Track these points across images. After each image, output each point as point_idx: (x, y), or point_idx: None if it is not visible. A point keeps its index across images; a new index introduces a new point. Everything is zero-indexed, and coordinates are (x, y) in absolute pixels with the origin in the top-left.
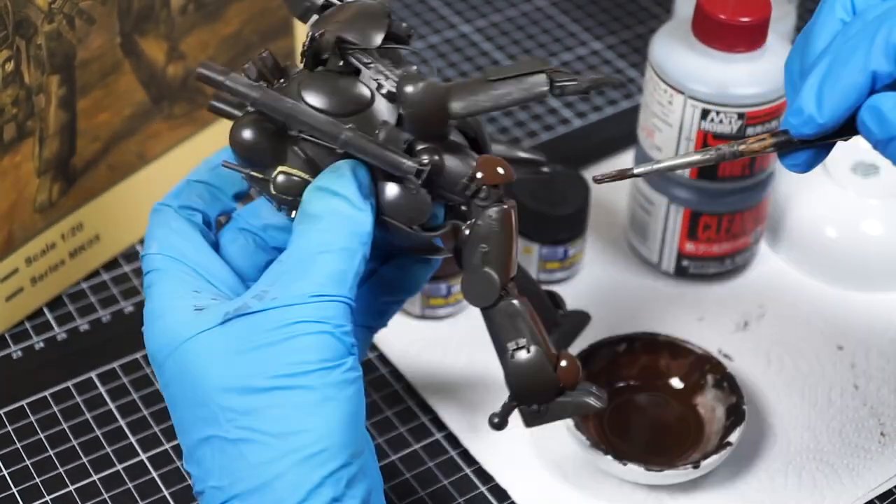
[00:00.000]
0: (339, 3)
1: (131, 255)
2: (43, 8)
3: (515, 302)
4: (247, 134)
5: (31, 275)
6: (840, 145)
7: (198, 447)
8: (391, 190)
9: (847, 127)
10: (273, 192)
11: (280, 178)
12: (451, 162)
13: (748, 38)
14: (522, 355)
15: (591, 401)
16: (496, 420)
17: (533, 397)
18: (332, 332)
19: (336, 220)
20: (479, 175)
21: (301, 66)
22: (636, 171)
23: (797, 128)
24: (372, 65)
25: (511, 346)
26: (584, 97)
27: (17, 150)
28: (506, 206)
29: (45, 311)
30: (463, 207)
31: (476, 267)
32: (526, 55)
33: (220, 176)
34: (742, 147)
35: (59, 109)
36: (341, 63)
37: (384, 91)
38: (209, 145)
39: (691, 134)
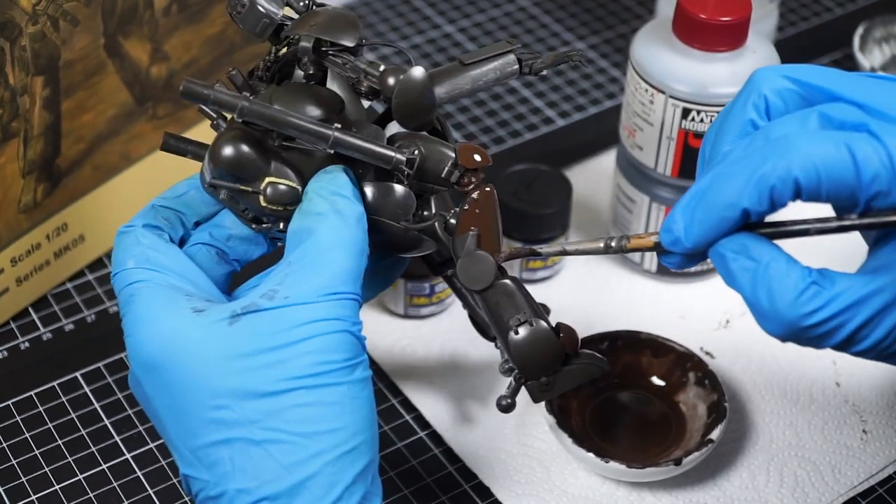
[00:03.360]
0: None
1: None
2: (27, 9)
3: (508, 281)
4: (232, 148)
5: (16, 275)
6: None
7: (210, 450)
8: (376, 188)
9: None
10: (263, 204)
11: (269, 189)
12: (430, 151)
13: (729, 37)
14: (527, 329)
15: (595, 365)
16: (505, 402)
17: (540, 370)
18: (349, 329)
19: (341, 218)
20: (461, 161)
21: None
22: (542, 250)
23: (666, 244)
24: (349, 64)
25: (514, 322)
26: (562, 83)
27: (1, 152)
28: (488, 189)
29: (31, 311)
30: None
31: (470, 251)
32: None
33: (185, 203)
34: (625, 243)
35: (44, 110)
36: (311, 71)
37: (363, 87)
38: None
39: (672, 133)
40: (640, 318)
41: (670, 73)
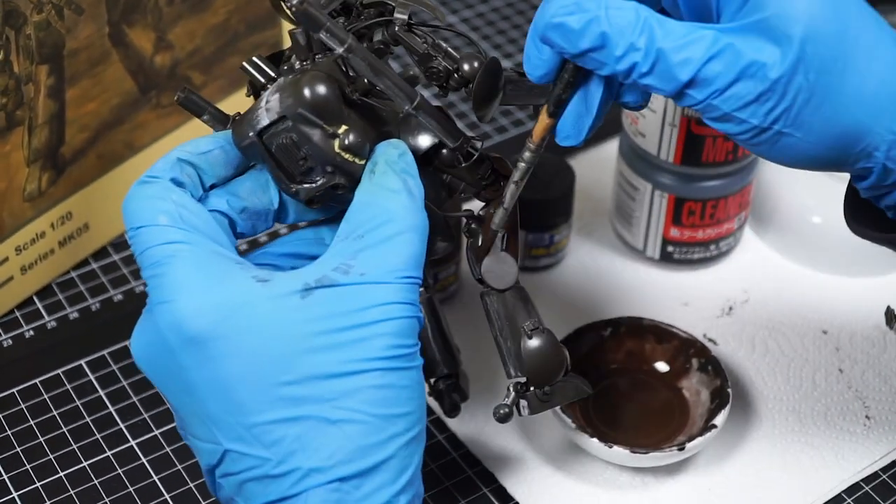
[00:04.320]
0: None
1: (120, 243)
2: None
3: (523, 287)
4: (325, 85)
5: (21, 264)
6: None
7: (273, 427)
8: (425, 172)
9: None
10: (336, 150)
11: (352, 135)
12: None
13: None
14: (540, 336)
15: (585, 385)
16: (504, 411)
17: (545, 378)
18: (417, 315)
19: (413, 200)
20: (497, 167)
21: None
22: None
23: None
24: (429, 42)
25: (528, 326)
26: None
27: (6, 140)
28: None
29: (35, 299)
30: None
31: (497, 250)
32: (514, 46)
33: (208, 161)
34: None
35: (48, 99)
36: (380, 46)
37: (438, 67)
38: (197, 134)
39: (675, 120)
40: (644, 305)
41: None
